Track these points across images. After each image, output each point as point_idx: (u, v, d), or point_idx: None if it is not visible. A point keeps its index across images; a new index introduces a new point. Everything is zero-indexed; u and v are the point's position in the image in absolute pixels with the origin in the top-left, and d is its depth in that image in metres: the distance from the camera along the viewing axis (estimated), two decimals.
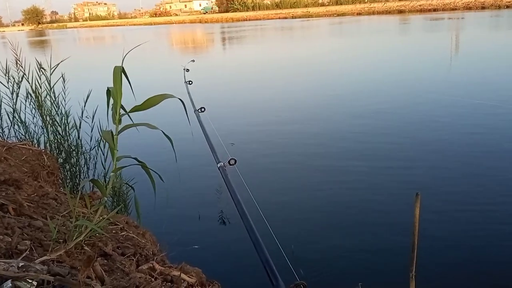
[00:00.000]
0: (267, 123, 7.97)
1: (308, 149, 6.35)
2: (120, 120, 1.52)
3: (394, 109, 8.24)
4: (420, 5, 64.92)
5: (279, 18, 75.25)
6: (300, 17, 72.83)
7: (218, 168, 2.50)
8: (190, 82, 5.27)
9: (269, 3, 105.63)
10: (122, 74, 1.54)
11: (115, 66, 1.50)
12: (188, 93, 4.92)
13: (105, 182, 1.58)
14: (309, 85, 11.64)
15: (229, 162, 2.46)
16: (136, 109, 1.54)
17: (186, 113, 1.60)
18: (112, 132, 1.45)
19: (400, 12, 62.87)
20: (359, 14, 67.93)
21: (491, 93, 9.00)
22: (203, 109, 3.88)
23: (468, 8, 56.29)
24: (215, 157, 2.69)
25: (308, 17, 71.29)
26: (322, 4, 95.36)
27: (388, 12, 65.13)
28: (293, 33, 37.67)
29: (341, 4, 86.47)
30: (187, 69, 5.98)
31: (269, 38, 33.63)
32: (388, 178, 5.19)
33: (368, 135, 6.82)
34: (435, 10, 59.60)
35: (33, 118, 4.31)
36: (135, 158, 1.51)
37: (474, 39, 20.88)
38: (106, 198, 1.57)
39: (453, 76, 11.80)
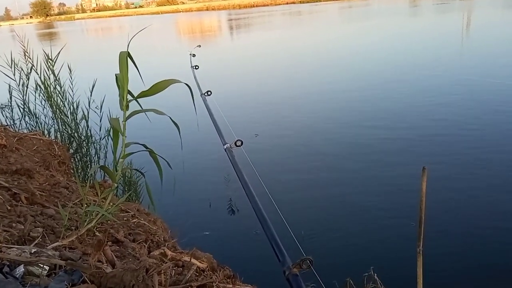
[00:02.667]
0: (273, 106, 8.05)
1: (314, 131, 6.41)
2: (127, 106, 1.51)
3: (406, 87, 8.18)
4: None
5: (287, 3, 74.32)
6: (308, 2, 71.83)
7: (225, 150, 2.49)
8: (197, 67, 5.27)
9: None
10: (129, 60, 1.53)
11: (121, 52, 1.49)
12: (195, 77, 4.93)
13: (115, 170, 1.59)
14: (315, 68, 11.61)
15: (235, 143, 2.44)
16: (143, 94, 1.54)
17: (193, 98, 1.59)
18: (119, 119, 1.45)
19: None
20: None
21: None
22: (209, 93, 3.88)
23: None
24: (221, 139, 2.68)
25: (317, 2, 70.29)
26: None
27: None
28: (301, 18, 37.23)
29: None
30: (194, 54, 5.96)
31: (276, 24, 33.27)
32: (397, 157, 5.19)
33: (379, 113, 6.81)
34: None
35: (43, 109, 4.34)
36: (143, 145, 1.51)
37: (488, 20, 20.41)
38: (116, 185, 1.58)
39: (467, 56, 11.63)
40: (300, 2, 72.46)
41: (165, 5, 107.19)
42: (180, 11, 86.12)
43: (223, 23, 41.99)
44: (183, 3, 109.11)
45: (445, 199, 4.03)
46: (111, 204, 1.65)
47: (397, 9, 35.50)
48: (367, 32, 19.46)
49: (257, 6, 76.02)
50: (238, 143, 2.44)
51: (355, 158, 5.27)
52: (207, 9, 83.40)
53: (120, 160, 1.45)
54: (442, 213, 3.78)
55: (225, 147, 2.49)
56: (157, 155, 1.51)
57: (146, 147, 1.52)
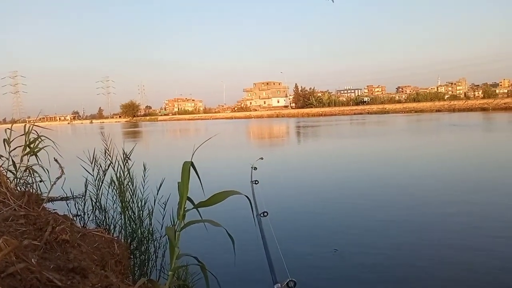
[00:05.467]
0: (337, 238, 6.32)
1: (387, 271, 5.09)
2: (184, 216, 1.49)
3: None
4: (505, 103, 62.59)
5: (354, 114, 76.44)
6: (375, 113, 73.36)
7: None
8: (256, 182, 5.02)
9: (344, 100, 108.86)
10: (191, 169, 1.55)
11: (185, 162, 1.52)
12: (253, 193, 4.53)
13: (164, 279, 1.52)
14: (388, 187, 10.25)
15: (287, 284, 2.09)
16: (201, 204, 1.53)
17: (253, 214, 1.54)
18: (175, 229, 1.42)
19: (483, 109, 60.85)
20: (438, 111, 66.90)
21: None
22: (265, 214, 3.53)
23: None
24: (272, 275, 2.30)
25: (384, 113, 71.51)
26: (399, 101, 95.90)
27: (469, 109, 63.40)
28: (368, 128, 37.65)
29: (418, 101, 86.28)
30: (255, 167, 5.74)
31: (343, 133, 33.77)
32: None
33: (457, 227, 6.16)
34: None
35: (113, 204, 4.55)
36: (196, 257, 1.45)
37: None
38: None
39: None
40: (368, 113, 74.15)
41: (238, 111, 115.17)
42: (252, 117, 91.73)
43: (291, 129, 43.45)
44: (256, 110, 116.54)
45: None
46: None
47: (472, 122, 34.85)
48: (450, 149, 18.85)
49: (325, 115, 78.90)
50: (291, 284, 2.11)
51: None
52: (277, 116, 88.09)
53: (170, 273, 1.39)
54: None
55: (275, 287, 2.15)
56: (208, 271, 1.43)
57: (198, 261, 1.45)
